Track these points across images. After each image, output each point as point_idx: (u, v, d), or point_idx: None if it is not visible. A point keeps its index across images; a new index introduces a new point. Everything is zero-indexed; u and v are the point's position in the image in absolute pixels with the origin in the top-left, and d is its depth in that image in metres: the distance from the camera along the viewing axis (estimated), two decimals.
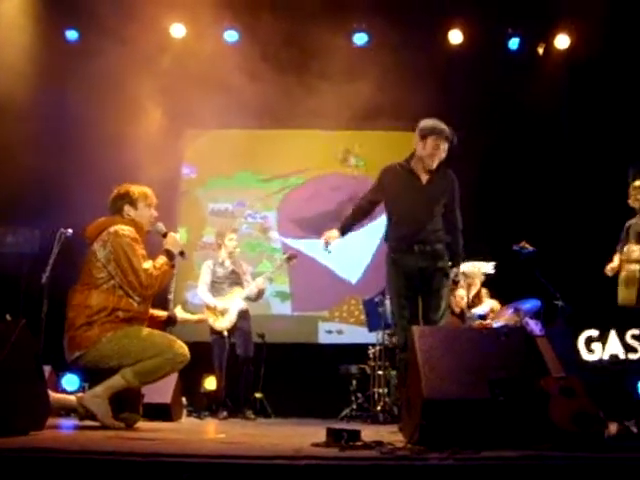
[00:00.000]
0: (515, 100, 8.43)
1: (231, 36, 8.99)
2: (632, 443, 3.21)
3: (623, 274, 6.49)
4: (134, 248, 4.48)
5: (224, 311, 7.27)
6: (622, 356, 5.81)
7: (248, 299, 7.39)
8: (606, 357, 5.82)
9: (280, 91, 7.98)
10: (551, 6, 8.32)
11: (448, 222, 5.23)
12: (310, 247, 9.34)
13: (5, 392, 3.35)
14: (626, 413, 4.30)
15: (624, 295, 6.46)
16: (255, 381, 7.66)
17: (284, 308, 9.45)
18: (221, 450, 3.00)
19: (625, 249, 6.50)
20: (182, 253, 4.77)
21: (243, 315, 7.34)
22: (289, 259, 7.69)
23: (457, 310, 7.12)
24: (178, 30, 8.90)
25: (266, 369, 7.89)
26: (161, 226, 4.81)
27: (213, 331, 7.26)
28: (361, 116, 8.64)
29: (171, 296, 7.57)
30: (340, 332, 9.32)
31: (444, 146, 5.13)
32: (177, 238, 4.75)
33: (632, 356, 5.83)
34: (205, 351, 7.15)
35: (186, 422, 6.07)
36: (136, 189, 4.72)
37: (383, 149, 9.45)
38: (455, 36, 8.97)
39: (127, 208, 4.67)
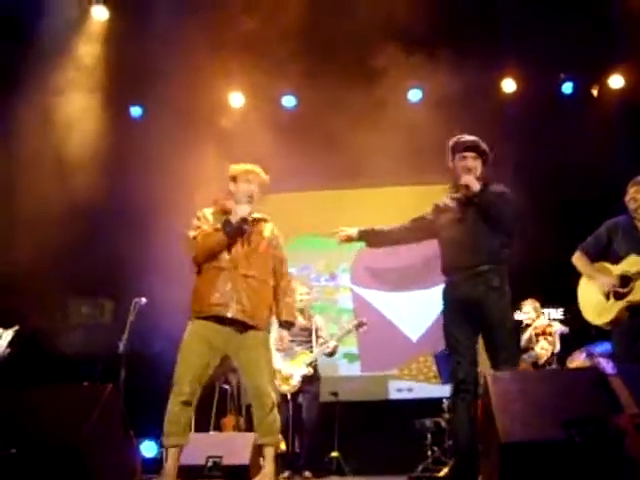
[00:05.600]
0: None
1: (289, 101, 9.25)
2: None
3: None
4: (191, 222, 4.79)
5: (288, 377, 7.11)
6: None
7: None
8: None
9: (338, 151, 8.06)
10: (603, 48, 8.30)
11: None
12: (379, 300, 9.44)
13: (95, 454, 3.46)
14: None
15: None
16: (330, 440, 7.62)
17: (353, 369, 9.43)
18: None
19: None
20: (243, 220, 4.73)
21: (309, 379, 7.15)
22: (358, 326, 7.47)
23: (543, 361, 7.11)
24: (236, 99, 9.17)
25: (340, 428, 7.87)
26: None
27: (279, 392, 7.01)
28: (429, 171, 8.28)
29: None
30: (410, 390, 9.24)
31: (472, 160, 4.45)
32: (242, 209, 4.74)
33: None
34: None
35: None
36: (238, 166, 4.97)
37: None
38: (508, 85, 9.04)
39: (230, 185, 4.92)
